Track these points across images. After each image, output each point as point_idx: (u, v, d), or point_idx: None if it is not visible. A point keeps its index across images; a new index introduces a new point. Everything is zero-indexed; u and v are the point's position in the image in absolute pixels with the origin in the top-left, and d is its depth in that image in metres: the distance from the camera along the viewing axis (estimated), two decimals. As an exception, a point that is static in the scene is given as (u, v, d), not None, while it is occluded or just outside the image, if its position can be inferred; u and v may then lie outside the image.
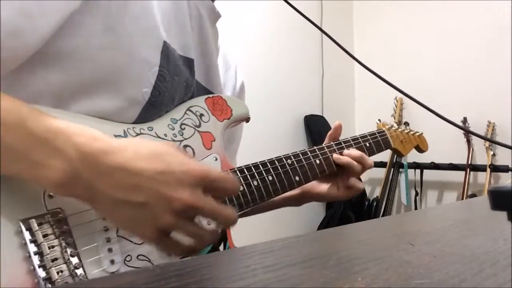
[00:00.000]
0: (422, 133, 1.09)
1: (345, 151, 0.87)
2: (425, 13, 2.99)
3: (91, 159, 0.48)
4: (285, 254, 0.42)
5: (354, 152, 0.87)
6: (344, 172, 0.87)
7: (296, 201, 0.92)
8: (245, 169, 0.71)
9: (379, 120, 1.03)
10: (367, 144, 0.92)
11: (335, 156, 0.86)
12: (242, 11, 2.56)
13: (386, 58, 3.03)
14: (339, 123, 0.91)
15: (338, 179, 0.88)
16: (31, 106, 0.51)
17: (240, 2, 2.51)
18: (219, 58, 0.85)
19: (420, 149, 1.09)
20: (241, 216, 0.82)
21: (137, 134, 0.63)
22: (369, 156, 0.90)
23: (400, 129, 1.03)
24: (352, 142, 0.90)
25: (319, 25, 2.82)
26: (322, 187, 0.90)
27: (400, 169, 2.98)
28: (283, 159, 0.77)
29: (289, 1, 0.77)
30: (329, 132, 0.91)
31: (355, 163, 0.85)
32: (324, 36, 0.83)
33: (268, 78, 2.67)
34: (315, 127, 2.90)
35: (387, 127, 1.01)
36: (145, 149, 0.51)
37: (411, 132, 1.07)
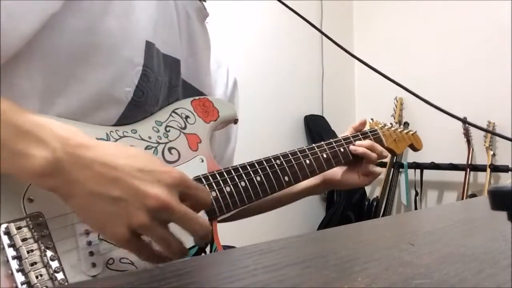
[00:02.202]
0: (415, 132, 1.09)
1: (357, 142, 0.92)
2: (425, 13, 2.99)
3: (73, 151, 0.48)
4: (285, 254, 0.42)
5: (364, 142, 0.92)
6: (362, 161, 0.91)
7: (319, 189, 0.96)
8: (232, 170, 0.71)
9: (371, 119, 1.03)
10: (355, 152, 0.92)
11: (352, 147, 0.91)
12: (242, 11, 2.56)
13: (386, 58, 3.03)
14: (364, 120, 0.98)
15: (357, 168, 0.93)
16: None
17: (240, 2, 2.51)
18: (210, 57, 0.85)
19: (414, 148, 1.09)
20: (237, 216, 0.83)
21: (120, 137, 0.62)
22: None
23: (393, 128, 1.04)
24: (343, 142, 0.91)
25: (319, 25, 2.79)
26: (344, 175, 0.94)
27: (400, 169, 2.98)
28: (272, 159, 0.77)
29: (289, 4, 0.77)
30: (353, 125, 0.96)
31: (369, 151, 0.90)
32: (324, 36, 0.83)
33: (268, 78, 2.67)
34: (315, 127, 2.90)
35: (379, 126, 1.01)
36: (125, 149, 0.52)
37: (405, 131, 1.07)
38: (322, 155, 0.86)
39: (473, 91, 2.77)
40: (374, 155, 0.91)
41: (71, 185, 0.48)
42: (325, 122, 2.99)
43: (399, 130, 1.05)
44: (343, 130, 0.96)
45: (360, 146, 0.91)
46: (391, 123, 1.07)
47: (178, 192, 0.51)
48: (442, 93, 2.82)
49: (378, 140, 0.96)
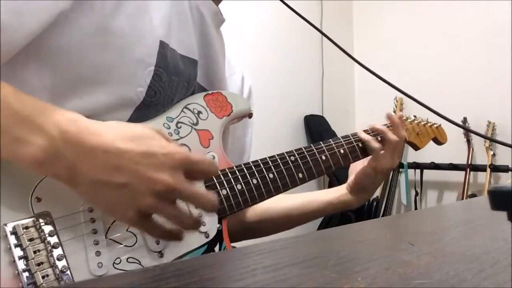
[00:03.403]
0: (440, 125, 1.03)
1: (373, 125, 0.86)
2: (425, 13, 2.99)
3: (73, 138, 0.48)
4: (285, 254, 0.42)
5: (377, 126, 0.86)
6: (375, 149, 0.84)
7: (350, 198, 0.87)
8: (244, 168, 0.70)
9: (394, 111, 0.99)
10: (379, 138, 0.86)
11: (373, 123, 0.86)
12: (242, 11, 2.56)
13: (386, 58, 3.03)
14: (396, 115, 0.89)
15: (372, 160, 0.85)
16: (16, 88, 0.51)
17: (240, 2, 2.51)
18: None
19: (438, 141, 1.03)
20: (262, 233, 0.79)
21: None
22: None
23: (416, 121, 0.98)
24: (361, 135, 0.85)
25: (319, 25, 2.79)
26: (361, 169, 0.86)
27: (400, 169, 2.97)
28: (286, 155, 0.75)
29: (289, 4, 0.77)
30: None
31: (387, 129, 0.85)
32: (324, 36, 0.83)
33: (268, 78, 2.67)
34: (315, 127, 2.90)
35: (402, 119, 0.94)
36: (127, 132, 0.51)
37: (428, 124, 1.01)
38: (339, 151, 0.82)
39: (473, 91, 2.77)
40: (391, 135, 0.83)
41: (74, 173, 0.48)
42: (325, 122, 2.99)
43: (423, 123, 1.00)
44: (343, 130, 0.93)
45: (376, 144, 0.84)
46: (414, 116, 1.00)
47: (183, 170, 0.50)
48: (442, 93, 2.83)
49: None
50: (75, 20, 0.57)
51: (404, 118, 0.96)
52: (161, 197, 0.49)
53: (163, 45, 0.64)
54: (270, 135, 2.63)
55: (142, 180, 0.48)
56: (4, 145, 0.47)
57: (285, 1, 0.78)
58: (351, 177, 0.88)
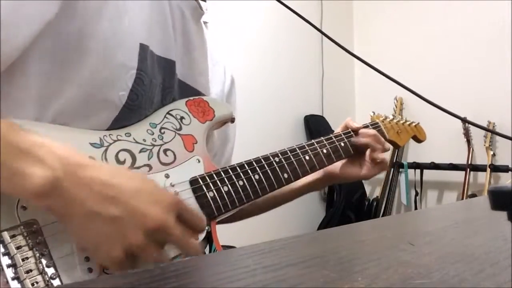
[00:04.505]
0: (418, 123, 1.07)
1: (360, 131, 0.91)
2: (425, 13, 2.99)
3: (72, 170, 0.49)
4: (285, 254, 0.42)
5: (369, 131, 0.91)
6: (363, 153, 0.90)
7: (319, 184, 0.94)
8: (229, 170, 0.70)
9: (373, 112, 1.02)
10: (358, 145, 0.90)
11: (354, 139, 0.89)
12: (242, 11, 2.56)
13: (386, 58, 3.02)
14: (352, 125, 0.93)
15: (359, 160, 0.91)
16: (10, 120, 0.51)
17: (240, 2, 2.51)
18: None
19: (417, 139, 1.07)
20: (236, 217, 0.82)
21: (114, 141, 0.62)
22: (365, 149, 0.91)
23: (395, 120, 1.02)
24: (343, 136, 0.89)
25: (319, 25, 2.79)
26: (344, 168, 0.91)
27: (400, 169, 2.97)
28: (270, 157, 0.77)
29: (289, 3, 0.77)
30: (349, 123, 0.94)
31: (373, 141, 0.89)
32: (324, 36, 0.83)
33: (268, 78, 2.67)
34: (315, 127, 2.91)
35: (381, 118, 1.00)
36: (123, 170, 0.54)
37: (407, 123, 1.05)
38: (322, 151, 0.84)
39: (473, 91, 2.77)
40: (378, 145, 0.89)
41: (70, 204, 0.49)
42: (325, 122, 2.99)
43: (401, 122, 1.03)
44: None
45: (363, 137, 0.90)
46: (393, 115, 1.05)
47: (175, 214, 0.52)
48: (442, 93, 2.82)
49: (380, 133, 0.94)
50: (58, 26, 0.57)
51: (383, 118, 1.00)
52: (150, 235, 0.49)
53: (143, 48, 0.64)
54: (270, 135, 2.63)
55: (135, 214, 0.49)
56: (5, 178, 0.47)
57: (284, 2, 0.78)
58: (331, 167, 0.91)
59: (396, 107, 2.95)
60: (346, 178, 0.92)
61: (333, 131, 0.95)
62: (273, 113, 2.72)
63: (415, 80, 2.84)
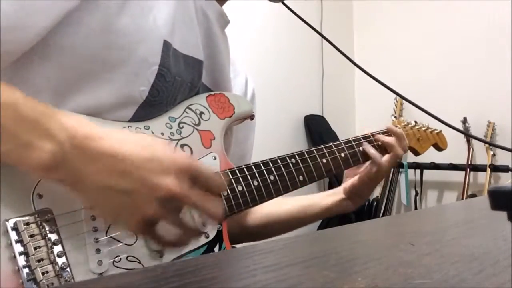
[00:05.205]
0: (441, 131, 1.04)
1: (390, 127, 0.89)
2: (425, 13, 2.99)
3: (80, 143, 0.48)
4: (285, 254, 0.42)
5: (397, 130, 0.89)
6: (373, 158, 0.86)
7: (344, 203, 0.89)
8: (245, 169, 0.70)
9: (394, 117, 1.01)
10: (380, 143, 0.88)
11: (380, 136, 0.87)
12: (242, 11, 2.56)
13: (386, 58, 3.03)
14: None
15: (368, 168, 0.86)
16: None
17: (240, 2, 2.51)
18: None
19: (438, 147, 1.04)
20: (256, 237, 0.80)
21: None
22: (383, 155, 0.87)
23: (417, 127, 0.99)
24: (363, 141, 0.87)
25: (319, 26, 2.78)
26: (362, 176, 0.87)
27: (400, 169, 2.97)
28: (287, 158, 0.75)
29: (289, 4, 0.77)
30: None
31: (396, 143, 0.87)
32: (325, 40, 0.83)
33: (268, 78, 2.67)
34: (315, 127, 2.90)
35: (402, 124, 0.96)
36: (132, 137, 0.52)
37: (429, 130, 1.01)
38: (340, 155, 0.82)
39: (473, 91, 2.77)
40: (399, 149, 0.87)
41: (78, 178, 0.48)
42: (325, 122, 2.99)
43: (423, 128, 1.00)
44: (343, 130, 0.94)
45: (390, 135, 0.88)
46: (415, 121, 1.01)
47: (188, 178, 0.50)
48: (442, 93, 2.83)
49: None
50: (81, 19, 0.58)
51: (405, 123, 0.97)
52: (165, 204, 0.49)
53: (166, 45, 0.64)
54: (270, 135, 2.63)
55: (146, 186, 0.48)
56: (12, 150, 0.47)
57: (284, 2, 0.78)
58: (347, 183, 0.89)
59: (396, 107, 2.95)
60: (367, 183, 0.87)
61: (333, 131, 0.95)
62: (273, 113, 2.71)
63: (415, 80, 2.85)
